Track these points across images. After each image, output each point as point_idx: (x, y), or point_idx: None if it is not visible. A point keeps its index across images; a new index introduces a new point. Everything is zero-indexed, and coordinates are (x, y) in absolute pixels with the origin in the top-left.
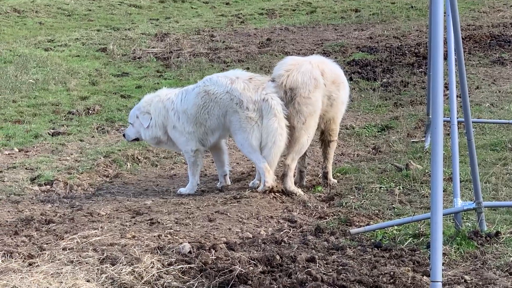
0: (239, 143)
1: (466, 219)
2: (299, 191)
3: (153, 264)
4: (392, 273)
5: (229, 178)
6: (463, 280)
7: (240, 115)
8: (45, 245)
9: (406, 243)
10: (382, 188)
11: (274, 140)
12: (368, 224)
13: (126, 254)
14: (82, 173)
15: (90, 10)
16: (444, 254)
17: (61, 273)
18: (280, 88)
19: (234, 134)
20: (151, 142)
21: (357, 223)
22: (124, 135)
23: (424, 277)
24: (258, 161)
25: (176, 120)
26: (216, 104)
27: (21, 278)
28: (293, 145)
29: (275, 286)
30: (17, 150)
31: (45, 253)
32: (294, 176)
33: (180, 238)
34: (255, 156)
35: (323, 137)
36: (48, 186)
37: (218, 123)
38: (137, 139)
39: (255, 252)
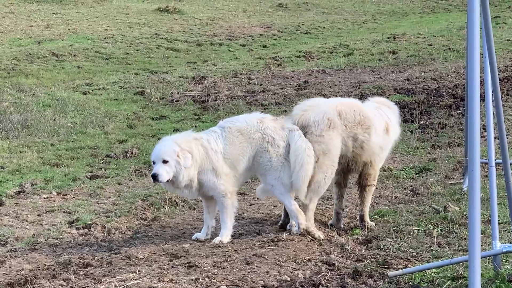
0: (270, 184)
1: (505, 262)
2: (317, 232)
3: None
4: None
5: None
6: None
7: (270, 154)
8: None
9: (444, 286)
10: (420, 231)
11: (302, 163)
12: (406, 267)
13: None
14: (120, 217)
15: (127, 53)
16: None
17: None
18: None
19: (263, 175)
20: (182, 184)
21: (395, 266)
22: (155, 176)
23: None
24: (290, 204)
25: (215, 160)
26: (249, 145)
27: None
28: (309, 184)
29: None
30: (56, 194)
31: None
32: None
33: (218, 282)
34: (287, 198)
35: (360, 181)
36: (86, 230)
37: (249, 165)
38: (167, 181)
39: None
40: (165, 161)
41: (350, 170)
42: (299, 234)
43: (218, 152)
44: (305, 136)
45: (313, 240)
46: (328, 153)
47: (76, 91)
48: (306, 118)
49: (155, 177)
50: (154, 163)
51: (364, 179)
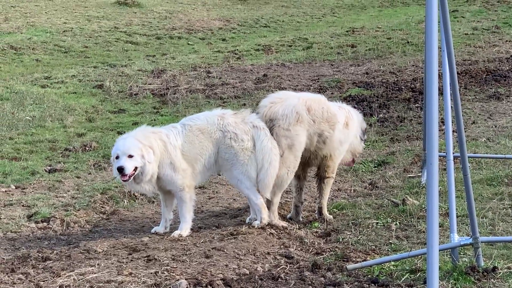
0: (236, 178)
1: (463, 254)
2: (281, 223)
3: None
4: None
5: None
6: None
7: (235, 149)
8: (42, 283)
9: (403, 279)
10: (379, 224)
11: (270, 161)
12: (365, 260)
13: None
14: (79, 210)
15: (86, 47)
16: None
17: None
18: (262, 118)
19: (229, 171)
20: (146, 179)
21: (354, 259)
22: (122, 169)
23: None
24: (255, 197)
25: (174, 155)
26: (210, 143)
27: None
28: None
29: None
30: (14, 187)
31: None
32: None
33: (177, 275)
34: (252, 192)
35: (319, 173)
36: (45, 223)
37: (210, 163)
38: (131, 175)
39: None
40: (130, 156)
41: (310, 163)
42: (260, 228)
43: (176, 147)
44: (272, 129)
45: (272, 234)
46: (293, 148)
47: (35, 85)
48: (274, 111)
49: (121, 170)
50: (117, 158)
51: (323, 171)
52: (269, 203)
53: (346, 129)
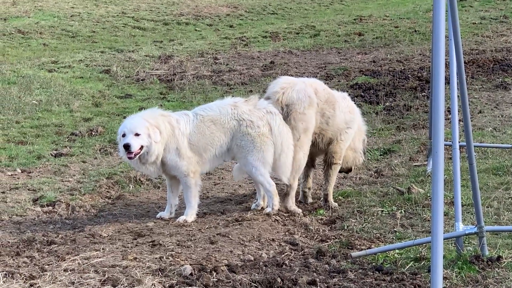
0: (251, 165)
1: (468, 243)
2: (299, 211)
3: (154, 286)
4: None
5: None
6: None
7: (252, 136)
8: (47, 266)
9: (407, 267)
10: (384, 212)
11: (288, 144)
12: (369, 248)
13: (127, 275)
14: (84, 195)
15: (94, 31)
16: (445, 278)
17: None
18: (277, 104)
19: (244, 158)
20: (151, 159)
21: (358, 247)
22: (128, 146)
23: None
24: (268, 184)
25: (181, 142)
26: (223, 134)
27: None
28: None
29: None
30: (20, 171)
31: (47, 274)
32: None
33: (182, 260)
34: (266, 179)
35: (326, 158)
36: (50, 207)
37: (221, 151)
38: (137, 154)
39: (257, 274)
40: (137, 134)
41: (317, 147)
42: (265, 214)
43: (184, 135)
44: (289, 114)
45: (277, 220)
46: (307, 131)
47: (42, 69)
48: (289, 96)
49: (127, 147)
50: (124, 136)
51: (330, 157)
52: (288, 189)
53: (351, 114)
